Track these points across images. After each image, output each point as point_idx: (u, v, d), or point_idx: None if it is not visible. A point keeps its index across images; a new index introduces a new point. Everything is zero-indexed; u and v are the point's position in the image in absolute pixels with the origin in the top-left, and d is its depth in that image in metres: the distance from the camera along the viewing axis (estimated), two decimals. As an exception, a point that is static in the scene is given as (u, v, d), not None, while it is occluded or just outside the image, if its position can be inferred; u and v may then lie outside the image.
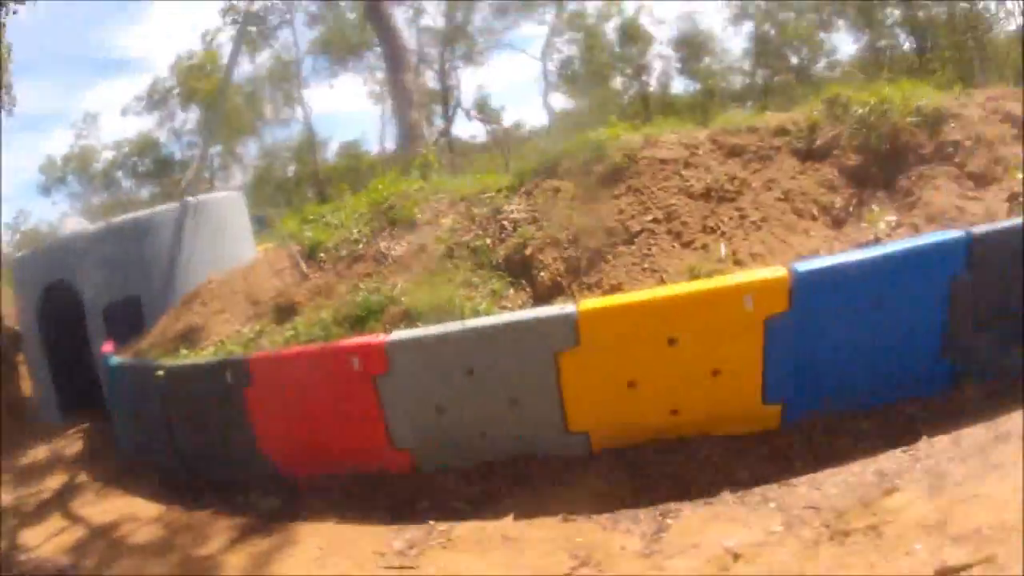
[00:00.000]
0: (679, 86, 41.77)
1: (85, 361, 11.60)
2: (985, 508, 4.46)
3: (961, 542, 4.30)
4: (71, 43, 60.84)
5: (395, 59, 22.52)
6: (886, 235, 7.14)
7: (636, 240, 7.64)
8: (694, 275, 6.92)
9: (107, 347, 10.20)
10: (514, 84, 73.18)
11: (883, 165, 7.97)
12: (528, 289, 7.66)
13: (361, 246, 9.09)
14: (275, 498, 7.24)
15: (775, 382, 6.14)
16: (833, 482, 5.51)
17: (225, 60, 28.89)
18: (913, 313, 6.07)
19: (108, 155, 40.88)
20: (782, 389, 6.16)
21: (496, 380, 6.50)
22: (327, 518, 6.70)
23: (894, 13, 34.80)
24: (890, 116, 8.10)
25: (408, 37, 29.82)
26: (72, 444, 11.16)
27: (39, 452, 10.96)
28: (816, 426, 6.15)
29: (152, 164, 40.44)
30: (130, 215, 13.03)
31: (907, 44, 35.08)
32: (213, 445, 7.90)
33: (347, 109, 72.63)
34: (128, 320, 11.10)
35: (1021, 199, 6.72)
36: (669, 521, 5.56)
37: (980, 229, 6.25)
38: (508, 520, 6.06)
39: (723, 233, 7.54)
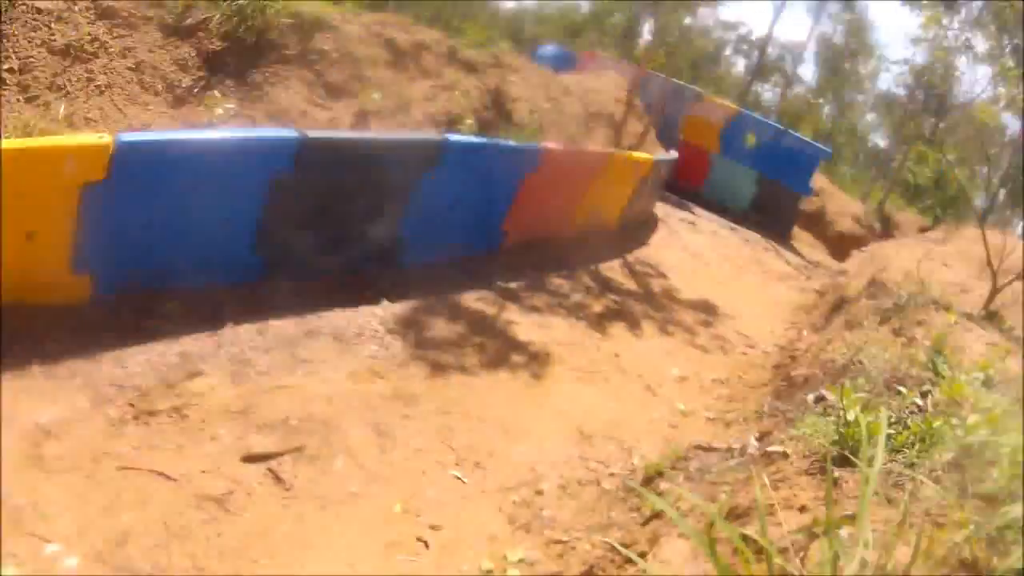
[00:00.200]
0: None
1: None
2: (292, 399, 5.28)
3: (267, 431, 5.05)
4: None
5: None
6: (222, 121, 7.21)
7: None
8: (27, 132, 6.26)
9: None
10: None
11: (242, 56, 7.85)
12: None
13: None
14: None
15: (87, 253, 5.73)
16: (138, 361, 5.51)
17: None
18: (232, 202, 6.32)
19: None
20: (94, 261, 5.79)
21: None
22: None
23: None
24: (267, 12, 8.12)
25: None
26: None
27: None
28: (127, 302, 5.97)
29: None
30: None
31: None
32: None
33: None
34: None
35: (371, 116, 7.44)
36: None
37: (313, 134, 6.73)
38: None
39: (67, 93, 6.99)
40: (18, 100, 7.11)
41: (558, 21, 44.84)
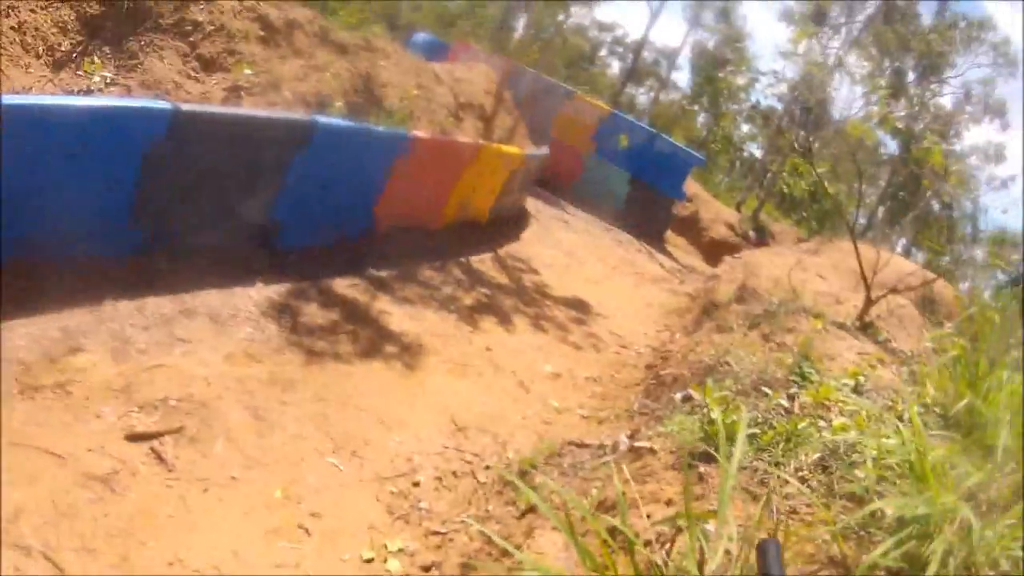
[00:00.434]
0: None
1: None
2: (171, 379, 5.41)
3: (148, 410, 5.17)
4: None
5: None
6: (98, 89, 7.11)
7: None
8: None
9: None
10: None
11: (121, 22, 7.64)
12: None
13: None
14: None
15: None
16: (21, 334, 5.49)
17: None
18: (108, 173, 6.32)
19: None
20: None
21: None
22: None
23: None
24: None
25: None
26: None
27: None
28: (6, 271, 5.84)
29: None
30: None
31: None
32: None
33: None
34: None
35: (243, 92, 7.45)
36: None
37: (188, 107, 6.82)
38: None
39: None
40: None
41: (434, 10, 45.14)
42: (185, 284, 6.94)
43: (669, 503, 4.42)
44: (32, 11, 7.92)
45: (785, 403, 5.61)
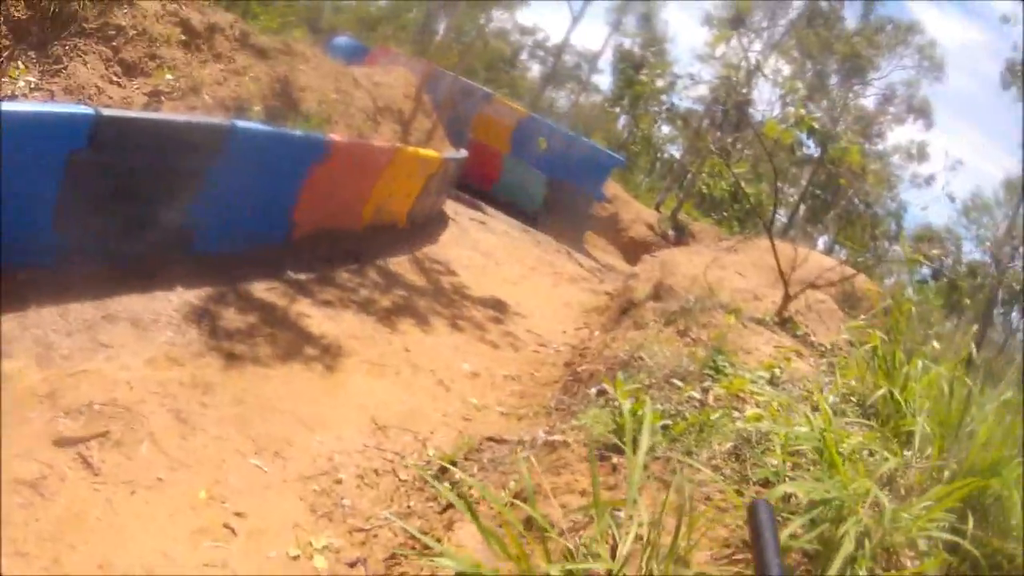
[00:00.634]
0: None
1: None
2: (95, 384, 5.53)
3: (74, 415, 5.29)
4: None
5: None
6: (23, 94, 7.09)
7: None
8: None
9: None
10: None
11: (45, 27, 7.56)
12: None
13: None
14: None
15: None
16: None
17: None
18: (30, 180, 6.35)
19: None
20: None
21: None
22: None
23: None
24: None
25: None
26: None
27: None
28: None
29: None
30: None
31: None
32: None
33: None
34: None
35: (163, 97, 7.49)
36: None
37: (110, 112, 6.89)
38: None
39: None
40: None
41: (356, 12, 45.13)
42: (107, 290, 7.01)
43: (583, 493, 4.66)
44: (-41, 14, 7.94)
45: (698, 395, 5.86)
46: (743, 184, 18.45)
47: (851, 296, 11.78)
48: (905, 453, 4.65)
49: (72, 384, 5.55)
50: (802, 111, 10.60)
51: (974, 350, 6.64)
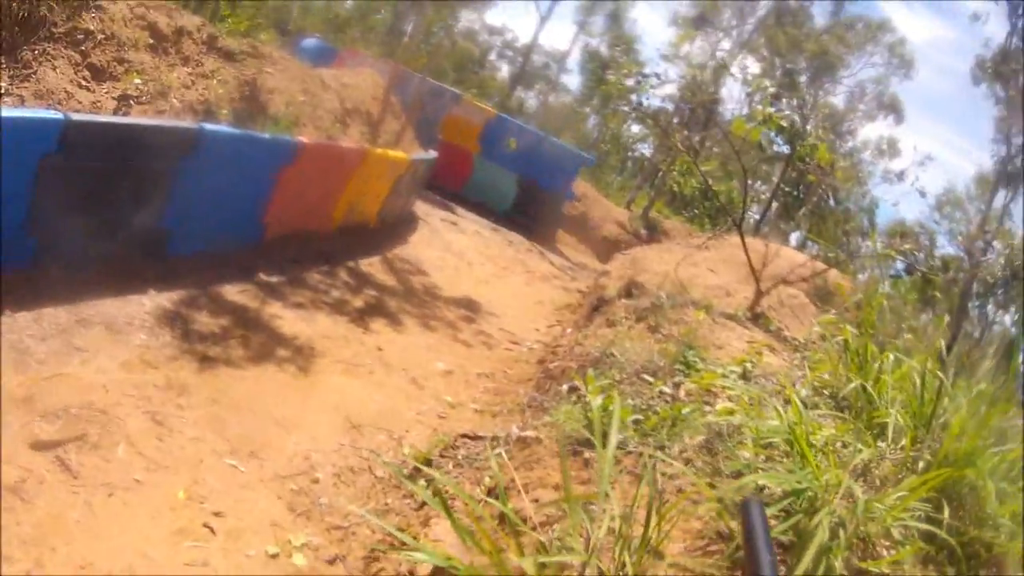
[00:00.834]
0: None
1: None
2: (71, 388, 5.57)
3: (51, 418, 5.34)
4: None
5: None
6: None
7: None
8: None
9: None
10: None
11: (14, 32, 7.56)
12: None
13: None
14: None
15: None
16: None
17: None
18: (2, 185, 6.31)
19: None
20: None
21: None
22: None
23: None
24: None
25: None
26: None
27: None
28: None
29: None
30: None
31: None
32: None
33: None
34: None
35: (132, 101, 7.52)
36: None
37: (80, 117, 6.92)
38: None
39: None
40: None
41: (324, 14, 45.00)
42: (80, 294, 7.05)
43: (556, 487, 4.74)
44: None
45: (669, 390, 5.94)
46: (712, 182, 18.52)
47: (824, 291, 11.87)
48: (879, 444, 4.73)
49: (48, 388, 5.59)
50: (770, 109, 10.68)
51: (944, 344, 6.73)
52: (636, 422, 5.14)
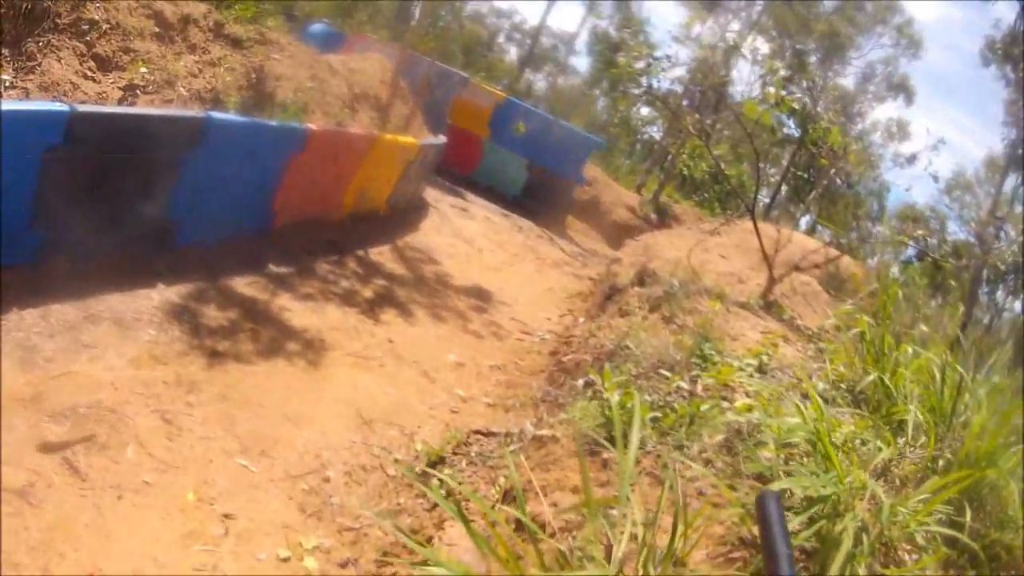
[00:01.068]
0: None
1: None
2: (79, 387, 5.50)
3: (59, 419, 5.27)
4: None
5: None
6: None
7: None
8: None
9: None
10: None
11: (19, 24, 7.47)
12: None
13: None
14: None
15: None
16: None
17: None
18: (6, 178, 6.24)
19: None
20: None
21: None
22: None
23: None
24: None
25: None
26: None
27: None
28: None
29: None
30: None
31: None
32: None
33: None
34: None
35: (139, 91, 7.44)
36: None
37: (85, 108, 6.82)
38: None
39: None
40: None
41: (331, -1, 45.02)
42: (88, 289, 6.98)
43: (574, 490, 4.59)
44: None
45: (687, 386, 5.79)
46: (723, 166, 18.42)
47: (836, 277, 11.76)
48: (898, 440, 4.64)
49: (56, 387, 5.53)
50: (782, 92, 10.56)
51: (961, 333, 6.62)
52: (654, 420, 5.02)
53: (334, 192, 12.20)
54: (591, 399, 5.75)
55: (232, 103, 9.61)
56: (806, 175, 33.15)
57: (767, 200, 36.72)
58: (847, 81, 43.26)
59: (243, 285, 8.77)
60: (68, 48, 8.32)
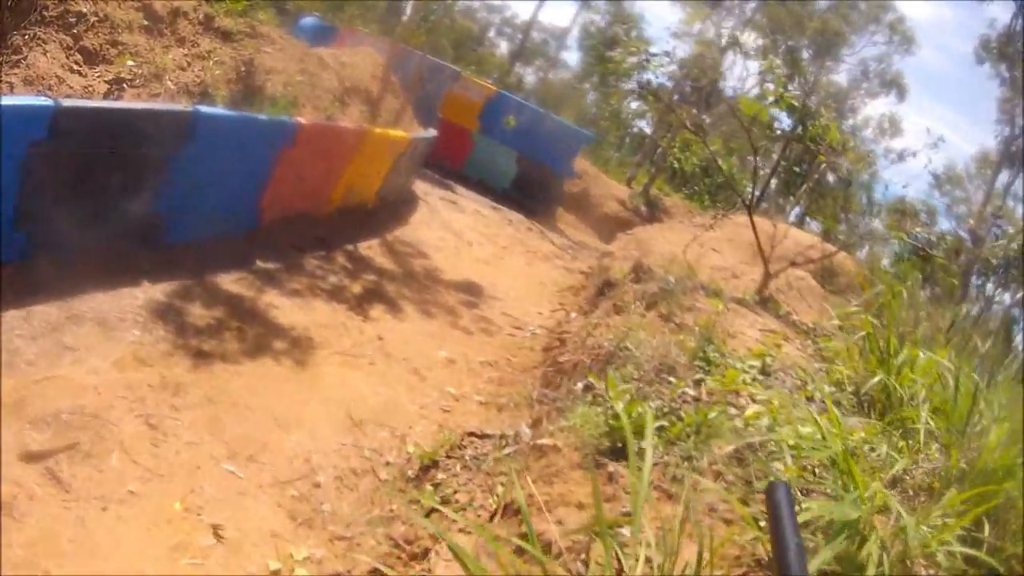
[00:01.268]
0: None
1: None
2: (62, 391, 5.31)
3: (41, 426, 5.08)
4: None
5: None
6: None
7: None
8: None
9: None
10: None
11: (5, 17, 7.34)
12: None
13: None
14: None
15: None
16: None
17: None
18: None
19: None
20: None
21: None
22: None
23: None
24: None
25: None
26: None
27: None
28: None
29: None
30: None
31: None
32: None
33: None
34: None
35: (126, 85, 7.23)
36: None
37: (70, 102, 6.66)
38: None
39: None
40: None
41: (323, -8, 44.88)
42: (71, 288, 6.80)
43: (580, 506, 4.41)
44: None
45: (692, 391, 5.66)
46: (719, 160, 18.44)
47: (829, 271, 11.73)
48: (908, 443, 4.53)
49: (38, 392, 5.35)
50: (782, 89, 10.51)
51: (947, 331, 6.59)
52: (660, 428, 4.84)
53: (323, 187, 12.03)
54: (591, 404, 5.57)
55: (221, 97, 9.45)
56: (798, 169, 33.22)
57: (757, 193, 36.72)
58: (840, 78, 43.35)
59: (230, 282, 8.60)
60: (55, 41, 8.16)
